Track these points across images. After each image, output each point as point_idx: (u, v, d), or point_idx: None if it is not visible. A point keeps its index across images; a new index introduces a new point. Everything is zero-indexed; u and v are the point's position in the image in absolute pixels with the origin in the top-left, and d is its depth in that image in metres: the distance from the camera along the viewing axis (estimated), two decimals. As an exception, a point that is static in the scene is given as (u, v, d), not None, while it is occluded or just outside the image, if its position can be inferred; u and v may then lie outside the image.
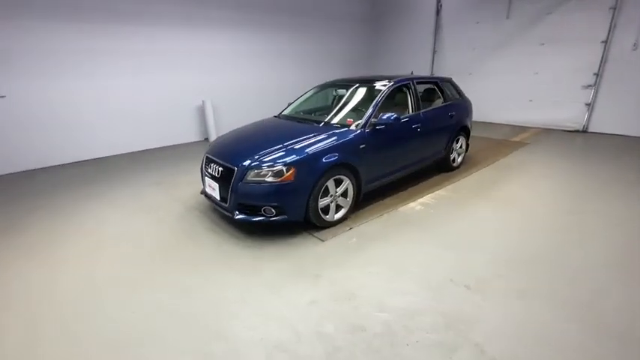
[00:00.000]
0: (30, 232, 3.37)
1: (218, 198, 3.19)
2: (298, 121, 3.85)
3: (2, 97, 5.31)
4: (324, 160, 3.03)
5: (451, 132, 4.57)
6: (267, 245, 3.01)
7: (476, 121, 8.42)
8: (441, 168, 4.80)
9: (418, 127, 3.96)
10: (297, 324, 2.08)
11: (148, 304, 2.31)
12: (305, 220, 3.09)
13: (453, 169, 4.88)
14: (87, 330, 2.09)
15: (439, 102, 4.61)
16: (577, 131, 7.08)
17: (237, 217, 3.01)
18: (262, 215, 2.96)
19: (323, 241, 3.06)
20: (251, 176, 2.90)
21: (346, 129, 3.38)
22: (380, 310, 2.17)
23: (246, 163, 2.96)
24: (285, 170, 2.88)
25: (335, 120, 3.60)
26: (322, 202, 3.13)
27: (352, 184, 3.33)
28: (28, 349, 1.97)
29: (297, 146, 3.08)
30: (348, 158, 3.20)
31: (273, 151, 3.03)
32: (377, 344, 1.91)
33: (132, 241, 3.16)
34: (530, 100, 7.77)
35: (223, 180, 3.08)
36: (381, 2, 10.11)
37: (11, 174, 5.38)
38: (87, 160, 6.06)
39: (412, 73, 5.05)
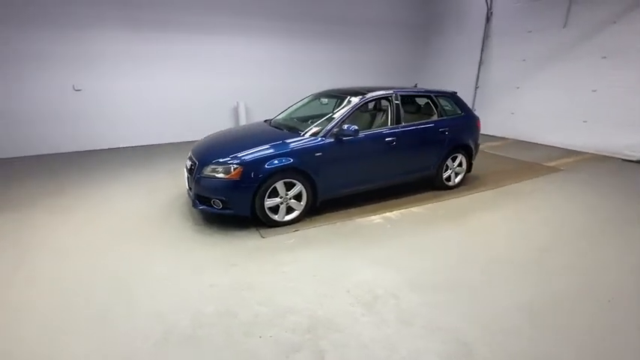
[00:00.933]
0: (67, 197, 4.34)
1: (187, 188, 3.69)
2: (277, 127, 4.14)
3: (79, 90, 6.74)
4: (272, 163, 3.28)
5: (442, 149, 4.35)
6: (216, 234, 3.38)
7: (519, 141, 7.70)
8: (434, 185, 4.59)
9: (393, 141, 3.91)
10: (189, 301, 2.40)
11: (98, 263, 2.88)
12: (253, 216, 3.38)
13: (447, 188, 4.63)
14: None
15: (434, 117, 4.44)
16: (638, 162, 5.93)
17: (199, 207, 3.44)
18: (212, 207, 3.34)
19: (263, 237, 3.31)
20: (207, 171, 3.30)
21: (306, 137, 3.57)
22: (261, 303, 2.35)
23: (206, 159, 3.38)
24: (232, 168, 3.22)
25: (306, 128, 3.80)
26: (270, 202, 3.38)
27: (306, 189, 3.51)
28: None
29: (256, 149, 3.37)
30: (301, 164, 3.39)
31: (235, 151, 3.38)
32: (235, 330, 2.11)
33: (121, 215, 3.84)
34: (585, 121, 6.75)
35: (191, 173, 3.56)
36: (429, 9, 9.79)
37: (78, 152, 6.78)
38: (133, 147, 7.26)
39: (416, 86, 4.94)
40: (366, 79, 9.22)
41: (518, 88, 7.90)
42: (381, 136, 3.88)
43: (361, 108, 3.93)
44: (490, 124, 8.52)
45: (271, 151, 3.36)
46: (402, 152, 4.05)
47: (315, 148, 3.48)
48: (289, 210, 3.55)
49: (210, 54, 7.55)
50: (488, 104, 8.61)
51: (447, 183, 4.63)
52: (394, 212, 3.92)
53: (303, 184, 3.48)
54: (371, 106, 4.45)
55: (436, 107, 4.41)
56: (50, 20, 6.15)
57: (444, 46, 9.66)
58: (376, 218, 3.75)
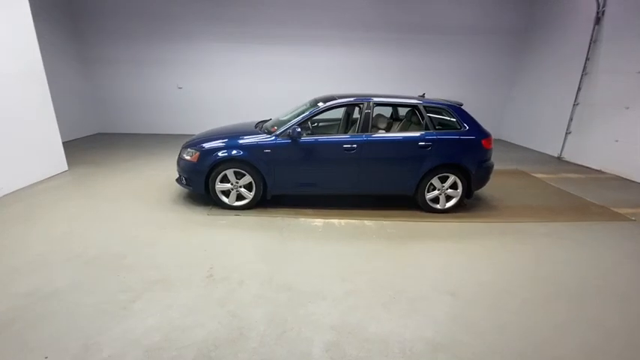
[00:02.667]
0: (132, 162, 5.97)
1: (182, 169, 4.59)
2: (257, 126, 4.50)
3: (180, 88, 8.80)
4: (223, 153, 3.78)
5: (422, 166, 3.92)
6: (184, 205, 4.13)
7: (617, 177, 5.83)
8: (419, 205, 4.18)
9: (353, 150, 3.81)
10: (112, 238, 3.17)
11: (104, 207, 4.01)
12: (208, 195, 3.97)
13: (433, 210, 4.13)
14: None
15: (419, 130, 4.03)
16: None
17: (178, 182, 4.24)
18: (181, 183, 4.09)
19: (208, 215, 3.86)
20: (182, 154, 4.06)
21: (264, 135, 3.90)
22: (147, 255, 2.92)
23: (184, 145, 4.14)
24: (192, 153, 3.88)
25: (275, 128, 4.11)
26: (222, 186, 3.90)
27: (255, 181, 3.87)
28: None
29: (217, 141, 3.93)
30: (249, 157, 3.77)
31: (204, 141, 4.00)
32: (113, 265, 2.74)
33: (147, 181, 5.05)
34: None
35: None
36: (531, 12, 8.27)
37: (171, 135, 8.84)
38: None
39: (424, 96, 4.55)
40: (444, 89, 8.60)
41: (627, 108, 5.93)
42: (338, 143, 3.84)
43: (348, 111, 4.05)
44: (585, 151, 6.72)
45: (226, 143, 3.86)
46: (365, 163, 3.88)
47: (264, 145, 3.79)
48: (241, 197, 3.98)
49: (293, 63, 8.58)
50: (587, 126, 6.75)
51: (433, 205, 4.12)
52: (343, 220, 3.83)
53: (252, 176, 3.85)
54: (356, 112, 4.39)
55: (422, 119, 3.99)
56: (162, 33, 8.29)
57: (538, 54, 8.02)
58: (319, 222, 3.77)
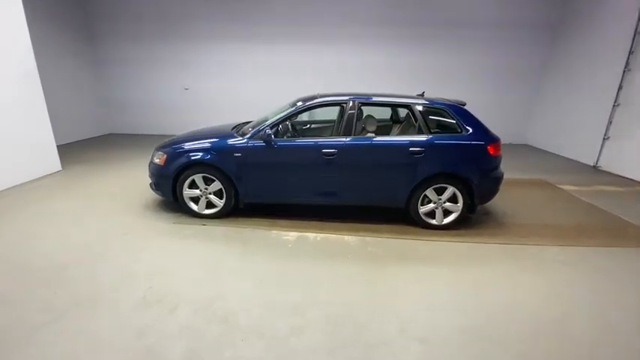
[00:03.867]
0: (127, 163, 5.87)
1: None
2: (235, 128, 4.11)
3: (187, 89, 8.73)
4: (189, 157, 3.46)
5: (414, 175, 3.38)
6: (153, 210, 3.86)
7: None
8: (413, 219, 3.64)
9: (333, 155, 3.35)
10: (72, 236, 2.94)
11: (77, 204, 3.85)
12: (177, 201, 3.67)
13: (429, 226, 3.58)
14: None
15: (411, 133, 3.50)
16: None
17: (152, 188, 3.98)
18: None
19: (173, 223, 3.55)
20: (153, 156, 3.80)
21: (236, 137, 3.54)
22: (89, 262, 2.64)
23: (157, 147, 3.87)
24: (161, 156, 3.60)
25: (248, 129, 3.72)
26: (190, 193, 3.58)
27: (225, 188, 3.52)
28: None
29: (187, 143, 3.60)
30: (217, 161, 3.43)
31: (175, 144, 3.69)
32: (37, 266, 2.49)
33: (132, 182, 4.89)
34: None
35: (155, 159, 4.16)
36: (563, 1, 7.35)
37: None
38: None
39: (423, 94, 4.01)
40: (460, 90, 7.91)
41: (681, 109, 4.99)
42: (315, 148, 3.40)
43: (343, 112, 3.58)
44: (626, 160, 5.80)
45: (195, 146, 3.54)
46: (347, 170, 3.41)
47: (234, 148, 3.43)
48: (211, 205, 3.65)
49: (303, 62, 8.25)
50: (629, 131, 5.80)
51: (428, 220, 3.57)
52: (320, 235, 3.38)
53: (221, 182, 3.51)
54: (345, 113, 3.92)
55: (415, 121, 3.45)
56: (171, 34, 8.24)
57: (571, 49, 7.09)
58: (292, 236, 3.35)
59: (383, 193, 3.52)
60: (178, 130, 8.90)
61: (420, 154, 3.34)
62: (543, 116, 8.00)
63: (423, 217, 3.57)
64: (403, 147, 3.37)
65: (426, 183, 3.42)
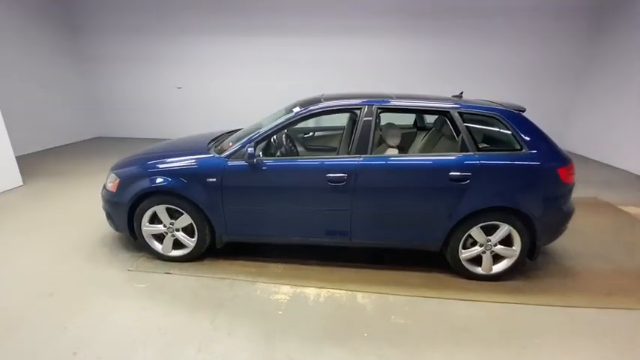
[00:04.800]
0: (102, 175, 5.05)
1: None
2: (215, 138, 3.21)
3: (180, 88, 7.87)
4: (146, 182, 2.56)
5: (455, 208, 2.42)
6: (113, 250, 2.98)
7: None
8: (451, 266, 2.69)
9: (343, 180, 2.42)
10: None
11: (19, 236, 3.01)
12: (135, 239, 2.78)
13: (473, 276, 2.63)
14: None
15: (451, 150, 2.54)
16: None
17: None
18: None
19: (129, 270, 2.66)
20: (107, 179, 2.91)
21: (210, 155, 2.63)
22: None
23: (112, 167, 2.99)
24: (114, 179, 2.71)
25: (231, 144, 2.77)
26: (151, 229, 2.69)
27: (196, 223, 2.62)
28: None
29: (146, 163, 2.70)
30: (182, 188, 2.52)
31: (135, 164, 2.78)
32: None
33: (87, 210, 4.04)
34: None
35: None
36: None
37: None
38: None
39: (461, 95, 3.05)
40: (488, 90, 6.91)
41: None
42: (318, 170, 2.46)
43: (354, 118, 2.67)
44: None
45: (156, 167, 2.64)
46: (362, 201, 2.46)
47: (207, 171, 2.52)
48: (180, 244, 2.75)
49: (310, 59, 7.30)
50: None
51: (471, 269, 2.62)
52: (324, 291, 2.45)
53: (191, 216, 2.61)
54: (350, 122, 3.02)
55: (457, 133, 2.49)
56: (164, 27, 7.38)
57: (620, 39, 5.96)
58: (285, 294, 2.42)
59: (411, 233, 2.57)
60: (171, 134, 7.97)
61: (464, 180, 2.38)
62: (585, 119, 6.90)
63: (465, 265, 2.62)
64: (441, 170, 2.41)
65: (471, 220, 2.47)
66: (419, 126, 3.77)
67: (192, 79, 7.73)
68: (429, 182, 2.43)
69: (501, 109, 2.55)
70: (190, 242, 2.70)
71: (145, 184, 2.57)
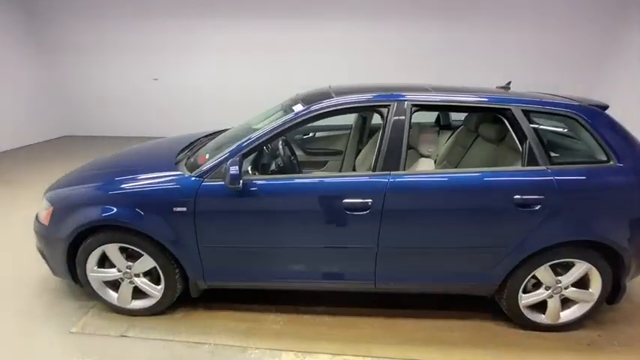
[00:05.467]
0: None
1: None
2: (188, 146, 2.45)
3: (156, 79, 7.00)
4: (90, 213, 1.82)
5: (522, 244, 1.75)
6: (60, 296, 2.24)
7: None
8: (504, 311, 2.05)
9: (364, 211, 1.72)
10: None
11: None
12: (80, 284, 2.05)
13: (532, 326, 1.99)
14: None
15: (511, 163, 1.86)
16: None
17: None
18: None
19: (71, 332, 1.93)
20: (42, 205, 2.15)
21: (177, 173, 1.88)
22: None
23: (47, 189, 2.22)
24: (47, 207, 1.95)
25: (206, 157, 2.00)
26: (100, 275, 1.96)
27: (161, 266, 1.90)
28: None
29: (97, 185, 1.95)
30: (138, 221, 1.78)
31: (76, 185, 2.01)
32: None
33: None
34: None
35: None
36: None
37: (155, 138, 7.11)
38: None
39: (509, 85, 2.38)
40: (517, 76, 6.18)
41: None
42: (331, 194, 1.76)
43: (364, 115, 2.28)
44: None
45: (101, 191, 1.91)
46: (394, 234, 1.77)
47: (173, 196, 1.78)
48: (143, 293, 2.03)
49: (309, 45, 6.41)
50: None
51: (532, 317, 1.97)
52: (341, 359, 1.78)
53: (154, 257, 1.89)
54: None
55: (522, 141, 1.80)
56: (139, 10, 6.46)
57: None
58: (288, 364, 1.76)
59: (458, 276, 1.89)
60: (148, 131, 7.21)
61: (535, 204, 1.71)
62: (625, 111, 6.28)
63: (525, 313, 1.97)
64: (503, 191, 1.72)
65: (539, 257, 1.81)
66: (442, 124, 3.08)
67: (171, 69, 6.84)
68: (487, 208, 1.75)
69: (579, 106, 1.86)
70: (155, 292, 1.98)
71: (85, 215, 1.82)
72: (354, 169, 3.02)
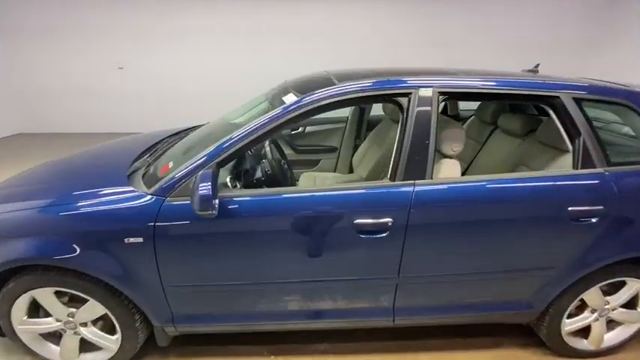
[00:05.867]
0: None
1: None
2: (147, 150, 1.96)
3: (121, 68, 6.27)
4: (15, 247, 1.32)
5: (574, 261, 1.41)
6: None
7: None
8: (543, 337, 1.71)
9: (381, 231, 1.31)
10: None
11: None
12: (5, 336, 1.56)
13: (573, 354, 1.68)
14: None
15: (560, 165, 1.51)
16: None
17: None
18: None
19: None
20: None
21: (129, 190, 1.41)
22: None
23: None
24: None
25: (169, 166, 1.52)
26: (33, 327, 1.48)
27: (115, 313, 1.44)
28: None
29: (22, 207, 1.42)
30: (73, 258, 1.29)
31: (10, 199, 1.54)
32: None
33: None
34: None
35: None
36: None
37: (121, 135, 6.41)
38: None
39: (537, 68, 2.03)
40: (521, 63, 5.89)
41: None
42: (340, 211, 1.34)
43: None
44: None
45: (23, 216, 1.40)
46: (419, 260, 1.39)
47: (123, 224, 1.31)
48: (93, 345, 1.56)
49: (297, 27, 5.87)
50: None
51: (573, 344, 1.66)
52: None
53: (103, 302, 1.42)
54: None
55: (573, 137, 1.44)
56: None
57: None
58: None
59: (496, 304, 1.54)
60: (114, 126, 6.55)
61: (592, 216, 1.36)
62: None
63: (566, 339, 1.65)
64: (556, 201, 1.37)
65: (591, 277, 1.48)
66: (449, 114, 2.72)
67: (138, 56, 6.14)
68: (536, 222, 1.39)
69: (631, 92, 1.52)
70: (109, 343, 1.52)
71: (10, 250, 1.32)
72: (350, 169, 2.65)
